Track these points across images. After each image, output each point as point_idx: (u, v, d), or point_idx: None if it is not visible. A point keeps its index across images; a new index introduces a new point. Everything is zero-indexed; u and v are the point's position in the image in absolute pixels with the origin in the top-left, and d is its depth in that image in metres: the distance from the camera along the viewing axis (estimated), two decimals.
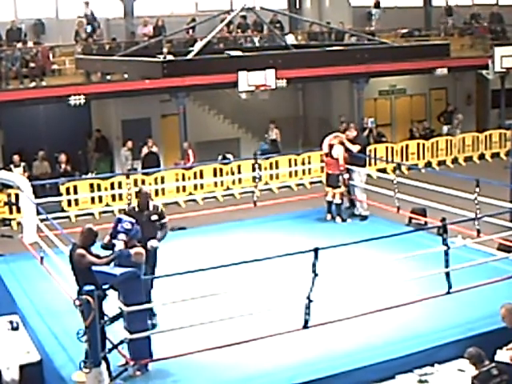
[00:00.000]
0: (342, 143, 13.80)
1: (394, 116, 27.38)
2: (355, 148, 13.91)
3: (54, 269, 10.21)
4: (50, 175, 20.21)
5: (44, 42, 22.99)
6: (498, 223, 11.25)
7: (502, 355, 7.88)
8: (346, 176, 13.83)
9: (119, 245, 8.02)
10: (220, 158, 22.15)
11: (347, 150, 13.85)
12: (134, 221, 8.51)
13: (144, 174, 19.59)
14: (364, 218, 13.99)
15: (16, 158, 19.79)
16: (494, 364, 7.42)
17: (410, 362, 8.24)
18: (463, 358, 7.71)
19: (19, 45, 21.63)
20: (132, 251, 7.95)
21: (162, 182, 20.01)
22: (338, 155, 13.68)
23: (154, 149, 21.22)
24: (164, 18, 24.40)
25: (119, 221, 8.30)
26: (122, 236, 8.12)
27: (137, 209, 9.50)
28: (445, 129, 25.74)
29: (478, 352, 7.42)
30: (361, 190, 14.11)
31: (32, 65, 20.90)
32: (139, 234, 8.46)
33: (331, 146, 13.81)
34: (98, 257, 8.06)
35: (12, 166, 19.46)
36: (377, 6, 27.78)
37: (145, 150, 21.13)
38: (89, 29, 22.60)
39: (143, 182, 19.46)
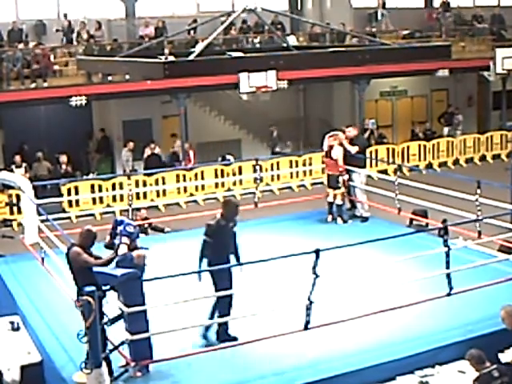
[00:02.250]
0: (341, 144, 13.80)
1: (395, 117, 27.39)
2: (354, 149, 13.90)
3: (54, 269, 10.21)
4: (50, 176, 20.23)
5: (45, 43, 23.03)
6: (499, 225, 11.23)
7: (505, 357, 7.89)
8: (346, 177, 13.82)
9: (123, 248, 7.99)
10: (220, 159, 22.19)
11: (346, 150, 13.84)
12: (135, 223, 8.49)
13: (145, 174, 19.59)
14: (365, 219, 13.98)
15: (17, 158, 19.83)
16: (495, 366, 7.41)
17: (411, 363, 8.23)
18: (464, 360, 7.70)
19: (20, 45, 21.67)
20: (134, 254, 7.95)
21: (163, 182, 20.03)
22: (337, 156, 13.68)
23: (157, 150, 21.22)
24: (165, 18, 24.44)
25: (121, 223, 8.28)
26: (124, 239, 8.07)
27: (223, 222, 8.78)
28: (445, 130, 25.76)
29: (479, 353, 7.41)
30: (361, 191, 14.11)
31: (35, 66, 20.90)
32: (138, 234, 8.45)
33: (331, 147, 13.80)
34: (97, 258, 8.07)
35: (13, 167, 19.50)
36: (383, 6, 27.88)
37: (147, 152, 21.13)
38: (64, 40, 22.79)
39: (144, 183, 19.49)
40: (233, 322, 8.31)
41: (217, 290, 8.55)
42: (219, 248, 8.74)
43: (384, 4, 28.01)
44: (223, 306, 8.62)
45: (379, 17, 27.68)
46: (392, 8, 28.94)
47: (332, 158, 13.75)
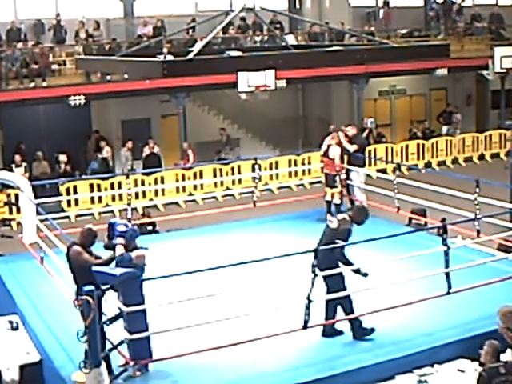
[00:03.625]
0: (339, 144, 13.81)
1: (394, 116, 27.42)
2: (352, 148, 13.92)
3: (53, 269, 10.20)
4: (49, 175, 20.22)
5: (44, 43, 23.02)
6: (497, 223, 11.23)
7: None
8: (343, 176, 13.81)
9: (119, 249, 7.98)
10: (216, 158, 22.19)
11: (344, 149, 13.85)
12: (126, 222, 8.47)
13: (144, 174, 19.59)
14: None
15: (17, 157, 19.82)
16: (502, 363, 7.38)
17: (410, 362, 8.23)
18: (463, 359, 7.69)
19: (19, 45, 21.65)
20: (133, 254, 7.93)
21: (162, 182, 20.04)
22: (333, 155, 13.69)
23: (156, 149, 21.22)
24: (164, 18, 24.42)
25: (113, 225, 8.28)
26: (119, 240, 8.06)
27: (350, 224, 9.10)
28: (444, 129, 25.78)
29: (499, 347, 7.37)
30: (360, 190, 14.11)
31: (35, 66, 20.89)
32: (136, 233, 8.42)
33: (329, 146, 13.83)
34: (97, 257, 8.07)
35: (13, 166, 19.50)
36: (387, 4, 27.88)
37: (146, 151, 21.13)
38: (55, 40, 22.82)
39: (143, 183, 19.48)
40: (232, 321, 8.31)
41: (331, 291, 8.60)
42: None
43: (387, 3, 28.03)
44: (345, 304, 8.70)
45: (381, 15, 27.73)
46: (391, 7, 28.95)
47: (329, 157, 13.76)
